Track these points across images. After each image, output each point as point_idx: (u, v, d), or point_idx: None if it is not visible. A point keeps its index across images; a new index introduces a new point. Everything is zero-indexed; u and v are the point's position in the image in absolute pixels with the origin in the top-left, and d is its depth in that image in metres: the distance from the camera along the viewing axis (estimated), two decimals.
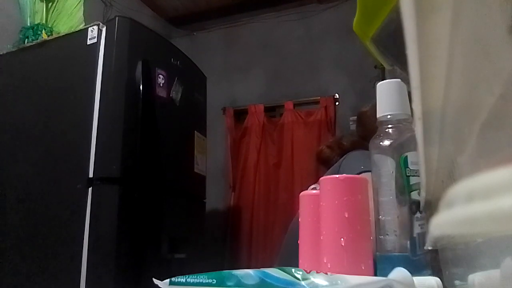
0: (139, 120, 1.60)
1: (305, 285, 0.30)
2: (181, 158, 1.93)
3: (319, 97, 2.93)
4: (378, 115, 0.49)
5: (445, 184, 0.32)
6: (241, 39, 3.28)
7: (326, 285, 0.30)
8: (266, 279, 0.32)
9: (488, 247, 0.32)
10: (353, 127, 2.26)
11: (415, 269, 0.39)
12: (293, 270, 0.32)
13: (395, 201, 0.45)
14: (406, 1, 0.26)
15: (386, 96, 0.49)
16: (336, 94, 2.90)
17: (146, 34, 1.79)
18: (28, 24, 1.95)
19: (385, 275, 0.35)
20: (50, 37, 1.85)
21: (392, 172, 0.46)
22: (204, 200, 2.13)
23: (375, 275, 0.42)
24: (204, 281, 0.34)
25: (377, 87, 0.50)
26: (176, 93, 1.87)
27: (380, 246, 0.45)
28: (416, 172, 0.45)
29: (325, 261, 0.42)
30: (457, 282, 0.40)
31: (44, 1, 2.00)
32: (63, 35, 1.79)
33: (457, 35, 0.26)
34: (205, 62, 2.53)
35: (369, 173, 0.47)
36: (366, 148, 1.08)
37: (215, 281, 0.34)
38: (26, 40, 1.90)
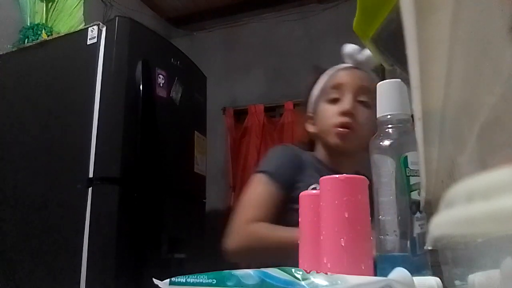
0: (139, 120, 1.60)
1: (305, 285, 0.30)
2: (181, 158, 1.93)
3: None
4: (378, 115, 0.49)
5: (445, 184, 0.32)
6: (241, 39, 3.28)
7: (326, 285, 0.30)
8: (266, 279, 0.32)
9: (488, 247, 0.32)
10: None
11: (415, 269, 0.39)
12: (293, 270, 0.32)
13: (395, 201, 0.45)
14: (406, 1, 0.26)
15: (386, 96, 0.49)
16: None
17: (146, 34, 1.79)
18: (28, 24, 1.95)
19: (385, 275, 0.35)
20: (50, 37, 1.85)
21: (392, 172, 0.46)
22: (204, 200, 2.12)
23: (375, 275, 0.42)
24: (204, 281, 0.34)
25: (377, 87, 0.50)
26: (176, 93, 1.87)
27: (380, 246, 0.45)
28: (416, 172, 0.45)
29: (325, 261, 0.42)
30: (457, 282, 0.40)
31: (44, 1, 2.00)
32: (63, 35, 1.79)
33: (457, 35, 0.26)
34: (205, 62, 2.53)
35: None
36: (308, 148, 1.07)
37: (215, 281, 0.34)
38: (26, 40, 1.90)
